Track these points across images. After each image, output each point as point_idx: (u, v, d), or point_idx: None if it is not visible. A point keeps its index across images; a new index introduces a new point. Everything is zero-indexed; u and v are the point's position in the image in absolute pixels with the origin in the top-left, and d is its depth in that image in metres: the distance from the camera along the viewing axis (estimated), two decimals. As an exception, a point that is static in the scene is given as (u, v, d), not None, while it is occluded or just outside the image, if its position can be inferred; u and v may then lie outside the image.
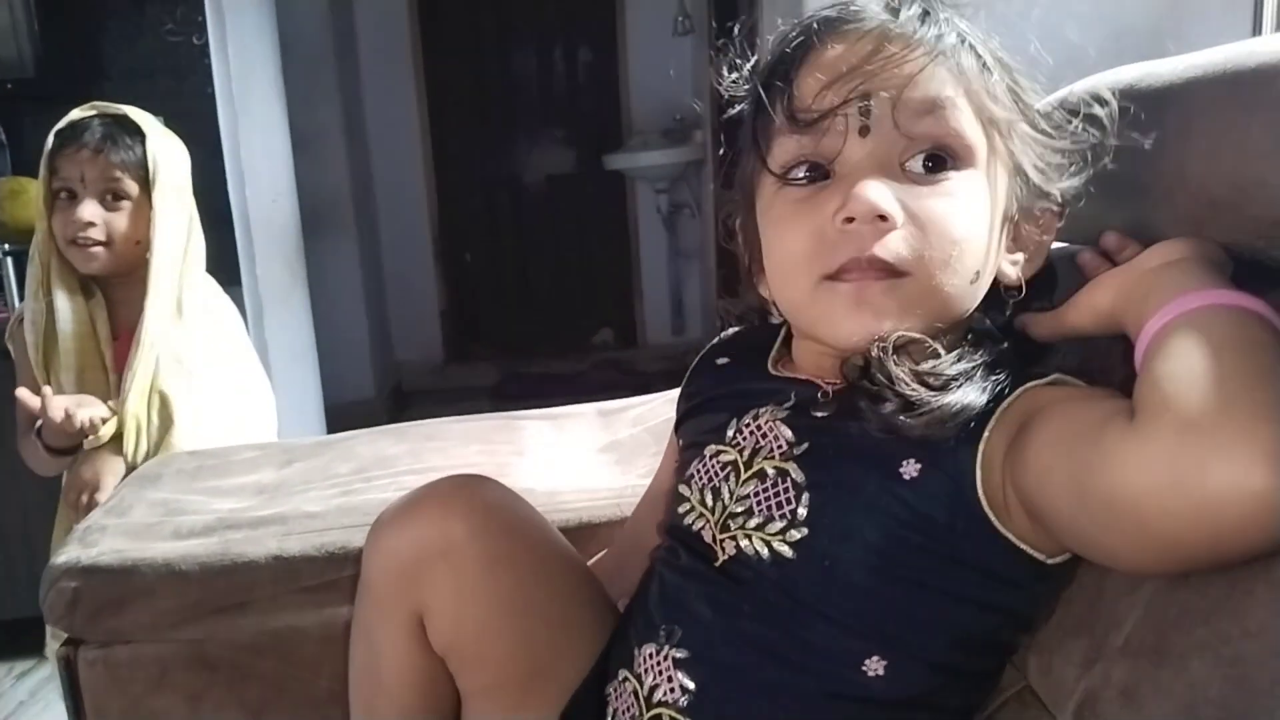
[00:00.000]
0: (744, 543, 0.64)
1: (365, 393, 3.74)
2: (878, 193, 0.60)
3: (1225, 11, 1.99)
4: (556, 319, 4.56)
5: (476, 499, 0.73)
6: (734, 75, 0.70)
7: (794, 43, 0.65)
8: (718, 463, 0.69)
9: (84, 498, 1.31)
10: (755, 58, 0.69)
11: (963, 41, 0.63)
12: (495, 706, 0.73)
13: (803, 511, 0.62)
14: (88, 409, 1.28)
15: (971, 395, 0.59)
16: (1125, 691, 0.54)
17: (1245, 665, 0.48)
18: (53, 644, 1.34)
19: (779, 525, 0.63)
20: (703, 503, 0.69)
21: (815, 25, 0.64)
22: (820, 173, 0.64)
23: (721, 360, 0.79)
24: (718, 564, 0.66)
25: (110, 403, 1.32)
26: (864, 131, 0.61)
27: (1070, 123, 0.66)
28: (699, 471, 0.71)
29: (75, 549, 0.93)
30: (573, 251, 4.57)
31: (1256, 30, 1.57)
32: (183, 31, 2.61)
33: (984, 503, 0.58)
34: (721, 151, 0.72)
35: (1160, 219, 0.64)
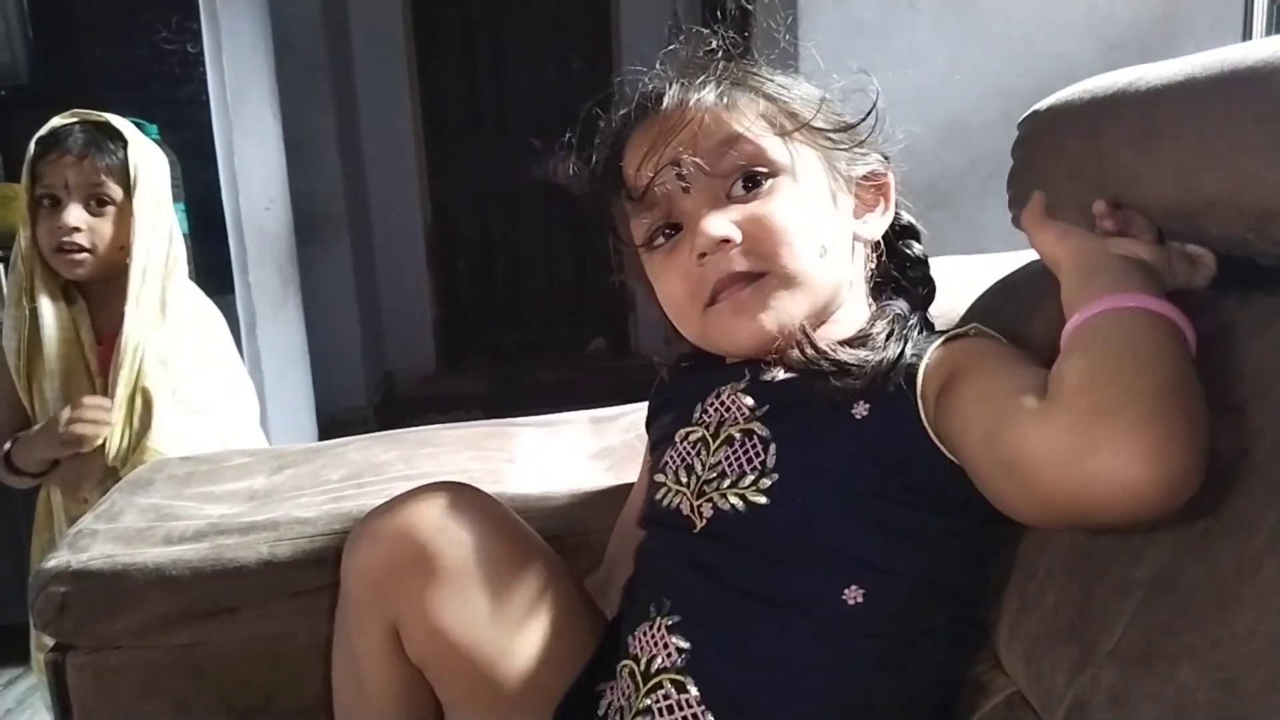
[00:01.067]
0: (720, 502, 0.69)
1: (357, 401, 3.74)
2: (713, 224, 0.71)
3: (1214, 27, 2.01)
4: (550, 328, 4.56)
5: (451, 506, 0.73)
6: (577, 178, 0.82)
7: (613, 137, 0.79)
8: (688, 443, 0.75)
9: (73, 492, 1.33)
10: (593, 157, 0.81)
11: (725, 86, 0.75)
12: (476, 716, 0.73)
13: (771, 460, 0.69)
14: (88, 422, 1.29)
15: (894, 348, 0.69)
16: (1114, 697, 0.54)
17: (1233, 670, 0.48)
18: (38, 656, 1.34)
19: (751, 477, 0.69)
20: (677, 481, 0.74)
21: (626, 117, 0.79)
22: (675, 229, 0.76)
23: (687, 365, 0.85)
24: (697, 531, 0.70)
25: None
26: (686, 189, 0.74)
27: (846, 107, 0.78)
28: (672, 458, 0.75)
29: (65, 554, 0.92)
30: (566, 261, 4.57)
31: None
32: (177, 39, 2.61)
33: (930, 433, 0.65)
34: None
35: (1153, 212, 0.65)
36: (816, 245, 0.73)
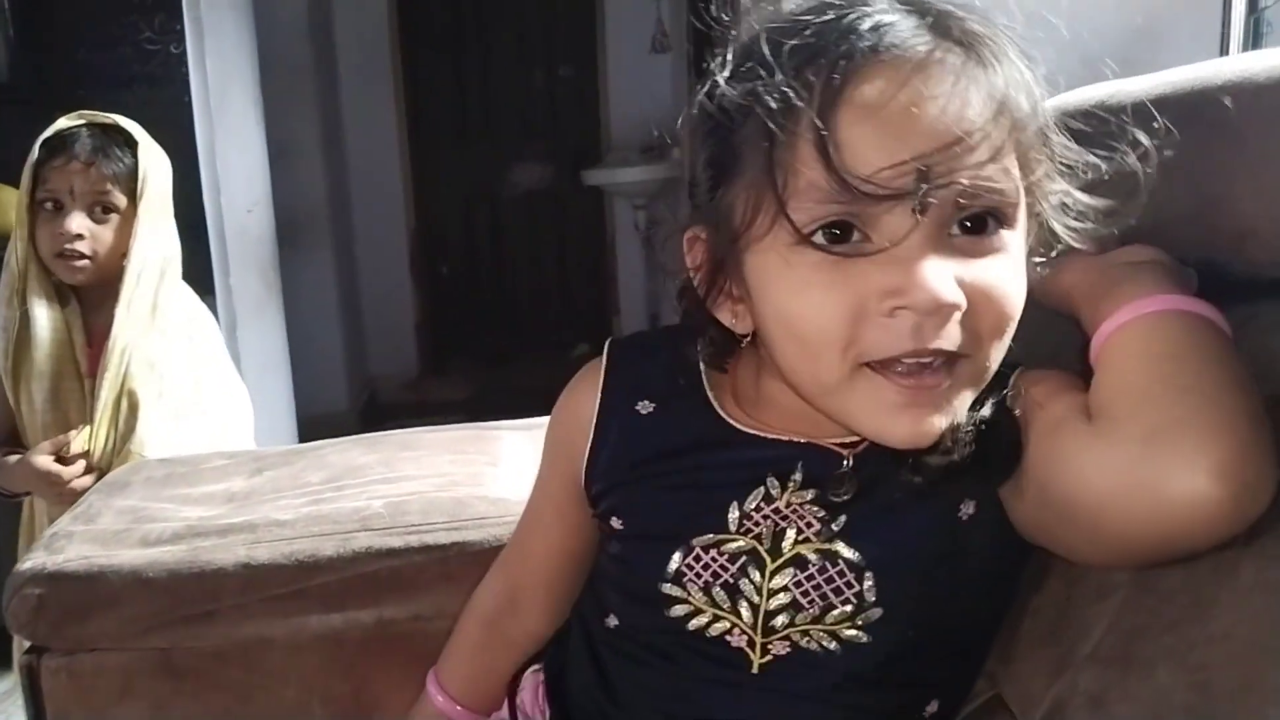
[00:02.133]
0: (802, 640, 0.59)
1: (339, 406, 3.71)
2: (944, 283, 0.49)
3: (1193, 40, 2.03)
4: (533, 333, 4.55)
5: None
6: (726, 82, 0.54)
7: (825, 68, 0.51)
8: (723, 554, 0.61)
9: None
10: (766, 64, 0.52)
11: (1033, 103, 0.53)
12: None
13: (871, 593, 0.58)
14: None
15: (996, 434, 0.56)
16: (1093, 699, 0.55)
17: (1210, 671, 0.49)
18: (20, 658, 1.33)
19: (844, 611, 0.58)
20: (713, 603, 0.61)
21: (850, 48, 0.51)
22: (848, 232, 0.51)
23: (644, 407, 0.67)
24: (754, 670, 0.60)
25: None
26: (921, 209, 0.50)
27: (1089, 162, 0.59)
28: (689, 568, 0.61)
29: (41, 555, 0.91)
30: (550, 266, 4.57)
31: (1224, 56, 1.60)
32: (161, 40, 2.60)
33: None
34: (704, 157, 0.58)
35: (1125, 231, 0.65)
36: (1013, 329, 0.54)
